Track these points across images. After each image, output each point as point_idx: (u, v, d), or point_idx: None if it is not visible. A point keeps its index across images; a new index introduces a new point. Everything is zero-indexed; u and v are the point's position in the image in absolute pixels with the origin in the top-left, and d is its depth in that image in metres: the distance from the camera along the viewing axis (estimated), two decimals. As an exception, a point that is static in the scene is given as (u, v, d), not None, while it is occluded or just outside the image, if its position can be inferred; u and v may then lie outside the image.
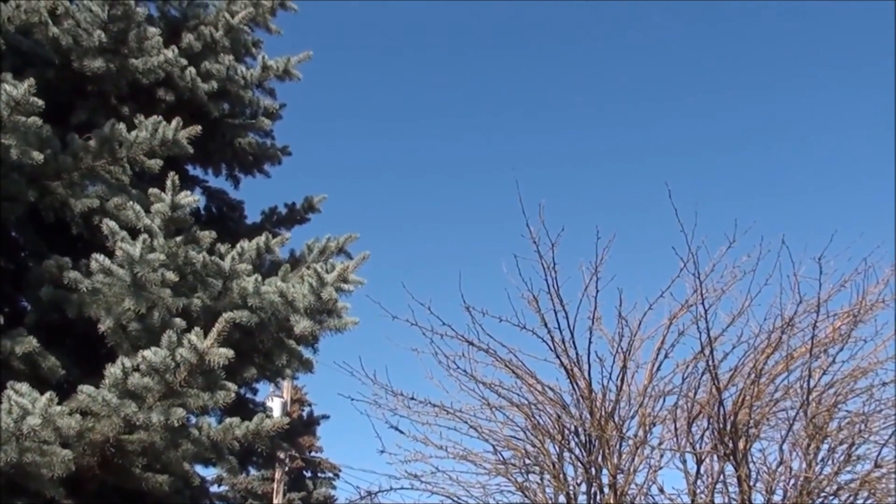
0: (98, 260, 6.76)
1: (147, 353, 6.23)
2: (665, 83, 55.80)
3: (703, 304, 9.05)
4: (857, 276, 9.31)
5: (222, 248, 7.97)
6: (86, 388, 6.31)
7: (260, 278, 7.45)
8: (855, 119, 51.10)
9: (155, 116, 7.76)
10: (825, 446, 9.24)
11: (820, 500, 9.20)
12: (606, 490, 9.42)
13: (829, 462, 9.24)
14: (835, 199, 45.52)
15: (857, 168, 49.87)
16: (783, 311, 9.37)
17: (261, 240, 7.88)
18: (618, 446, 9.55)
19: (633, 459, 9.58)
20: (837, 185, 49.07)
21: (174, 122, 7.69)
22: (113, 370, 6.29)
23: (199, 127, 7.86)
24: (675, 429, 9.57)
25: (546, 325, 9.54)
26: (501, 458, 10.19)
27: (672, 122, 56.43)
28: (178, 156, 8.01)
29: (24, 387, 6.04)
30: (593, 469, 9.51)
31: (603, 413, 9.45)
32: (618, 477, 9.39)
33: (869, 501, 9.18)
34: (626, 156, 53.27)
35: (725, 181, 48.28)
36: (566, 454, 9.86)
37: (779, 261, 9.21)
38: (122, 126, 7.62)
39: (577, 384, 9.65)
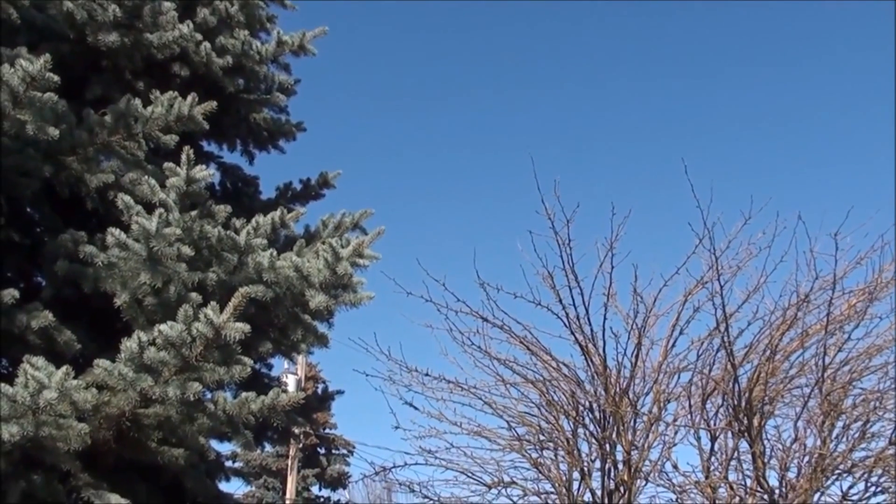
0: (114, 234, 6.73)
1: (163, 327, 6.22)
2: (681, 59, 55.55)
3: (718, 280, 9.05)
4: (873, 253, 9.30)
5: (237, 222, 7.97)
6: (102, 362, 6.31)
7: (275, 253, 7.42)
8: (871, 95, 50.79)
9: (170, 92, 7.73)
10: (840, 423, 9.23)
11: (834, 476, 9.20)
12: (620, 466, 9.44)
13: (844, 439, 9.24)
14: (851, 174, 45.38)
15: (874, 144, 49.60)
16: (799, 287, 9.37)
17: (276, 215, 7.86)
18: (632, 423, 9.55)
19: (648, 436, 9.59)
20: (854, 161, 48.91)
21: (189, 98, 7.65)
22: (129, 344, 6.27)
23: (215, 102, 7.81)
24: (690, 405, 9.58)
25: (561, 301, 9.56)
26: (516, 435, 10.22)
27: (688, 98, 56.24)
28: (193, 131, 7.98)
29: (40, 361, 6.04)
30: (607, 445, 9.52)
31: (617, 389, 9.46)
32: (632, 453, 9.41)
33: (883, 478, 9.17)
34: (642, 132, 53.19)
35: (742, 157, 48.15)
36: (580, 430, 9.89)
37: (795, 237, 9.20)
38: (137, 101, 7.59)
39: (591, 360, 9.66)
